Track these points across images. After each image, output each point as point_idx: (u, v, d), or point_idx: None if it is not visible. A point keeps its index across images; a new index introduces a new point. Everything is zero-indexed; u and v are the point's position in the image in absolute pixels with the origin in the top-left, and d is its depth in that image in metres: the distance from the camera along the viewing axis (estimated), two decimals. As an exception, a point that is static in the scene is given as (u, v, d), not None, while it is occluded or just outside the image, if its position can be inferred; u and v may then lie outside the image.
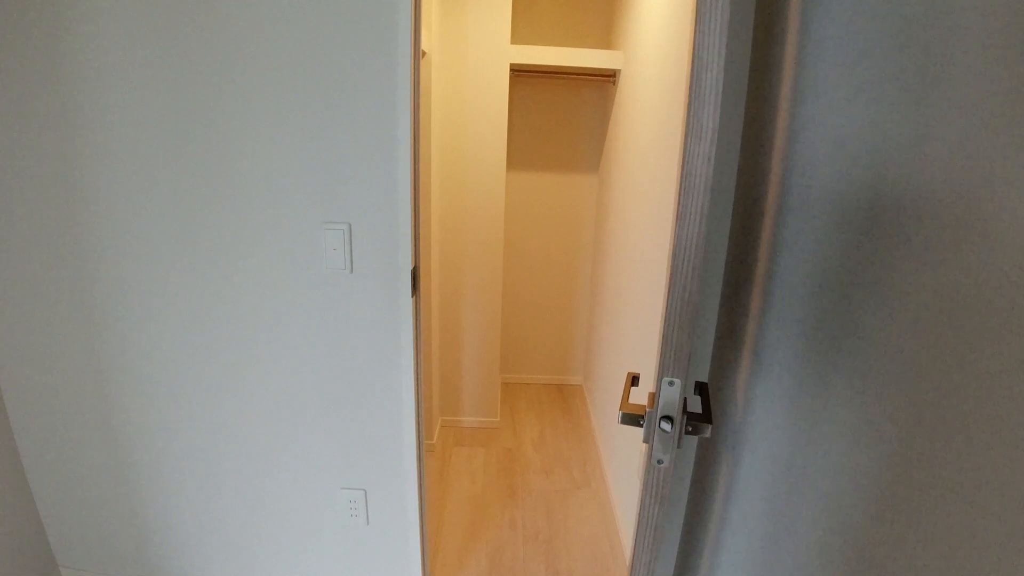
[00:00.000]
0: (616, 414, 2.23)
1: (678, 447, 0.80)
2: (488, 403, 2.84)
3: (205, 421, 1.53)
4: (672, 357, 0.75)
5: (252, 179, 1.33)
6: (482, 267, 2.62)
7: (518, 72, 2.55)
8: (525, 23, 2.77)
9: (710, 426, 0.82)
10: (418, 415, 1.50)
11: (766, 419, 0.89)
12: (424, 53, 2.15)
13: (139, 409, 1.53)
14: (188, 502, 1.62)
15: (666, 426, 0.78)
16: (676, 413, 0.78)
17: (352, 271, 1.38)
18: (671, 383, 0.77)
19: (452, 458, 2.56)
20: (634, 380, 0.95)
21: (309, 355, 1.45)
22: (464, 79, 2.39)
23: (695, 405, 0.92)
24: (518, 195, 3.04)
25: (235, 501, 1.61)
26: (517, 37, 2.77)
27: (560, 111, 2.90)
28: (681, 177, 0.71)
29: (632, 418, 0.83)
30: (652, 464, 0.81)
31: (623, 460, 2.08)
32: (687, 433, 0.82)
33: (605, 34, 2.81)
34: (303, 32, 1.23)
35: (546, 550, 2.01)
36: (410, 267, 1.37)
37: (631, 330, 2.02)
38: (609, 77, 2.63)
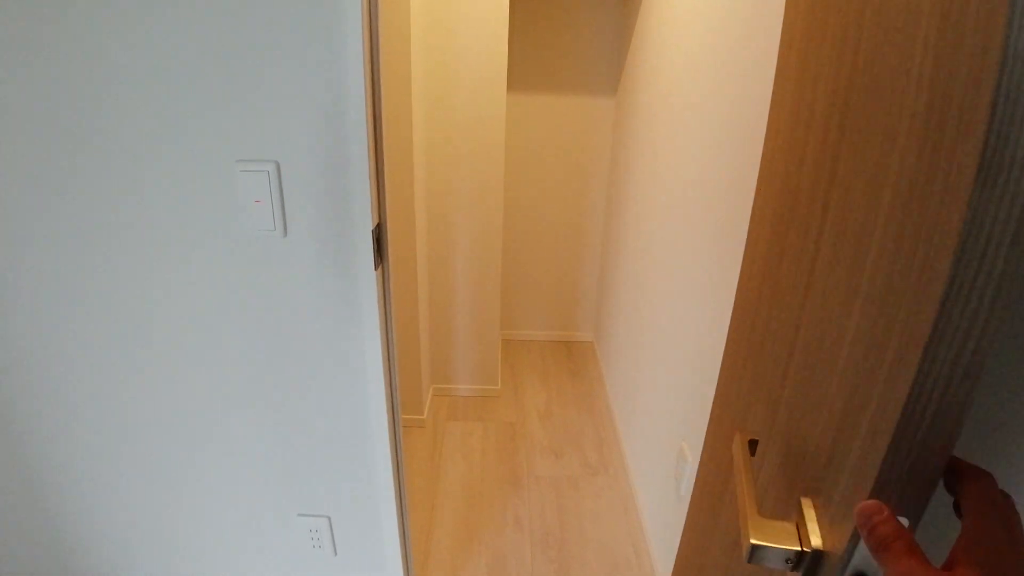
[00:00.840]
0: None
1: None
2: (487, 368, 2.45)
3: (101, 425, 1.13)
4: (907, 467, 0.33)
5: (124, 90, 0.86)
6: (478, 208, 2.16)
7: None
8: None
9: None
10: (392, 419, 1.10)
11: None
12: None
13: (26, 409, 1.13)
14: (96, 517, 1.25)
15: (865, 593, 0.38)
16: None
17: (285, 233, 0.94)
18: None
19: (445, 436, 2.20)
20: (751, 446, 0.53)
21: (231, 350, 1.03)
22: (451, -32, 1.85)
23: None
24: (520, 122, 2.53)
25: (159, 524, 1.24)
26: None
27: (570, 18, 2.35)
28: (1004, 38, 0.27)
29: (777, 556, 0.43)
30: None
31: (647, 438, 1.71)
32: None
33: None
34: None
35: (558, 557, 1.67)
36: (371, 225, 0.93)
37: (663, 289, 1.59)
38: (635, -32, 2.08)
